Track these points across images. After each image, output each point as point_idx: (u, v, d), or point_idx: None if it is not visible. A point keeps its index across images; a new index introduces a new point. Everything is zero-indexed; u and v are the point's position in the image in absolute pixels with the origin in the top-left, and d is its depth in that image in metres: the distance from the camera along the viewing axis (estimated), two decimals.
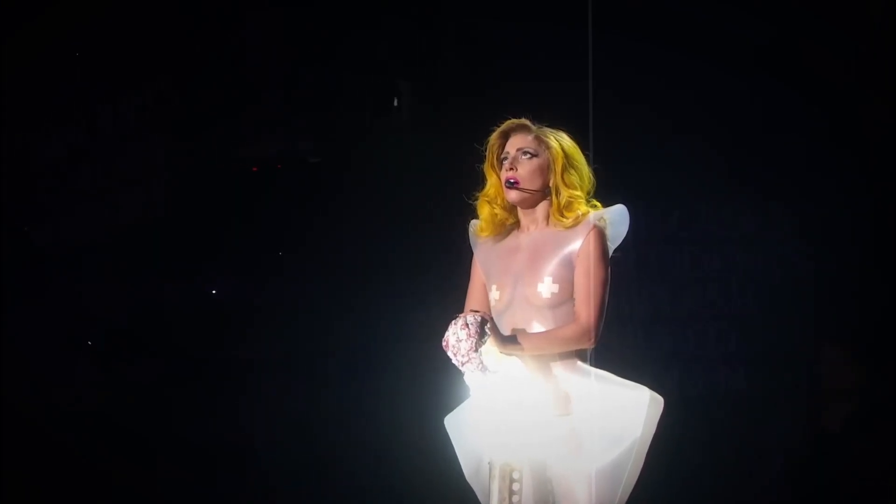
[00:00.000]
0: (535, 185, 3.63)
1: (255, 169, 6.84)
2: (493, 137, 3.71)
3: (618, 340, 5.45)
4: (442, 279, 4.14)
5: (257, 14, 6.56)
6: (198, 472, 6.25)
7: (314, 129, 6.67)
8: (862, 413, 5.69)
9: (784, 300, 6.26)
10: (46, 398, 6.48)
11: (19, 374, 6.45)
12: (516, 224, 3.73)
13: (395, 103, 6.48)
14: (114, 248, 6.72)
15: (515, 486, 3.54)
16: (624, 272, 6.18)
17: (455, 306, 3.69)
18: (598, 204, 3.67)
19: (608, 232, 3.62)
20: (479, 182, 3.74)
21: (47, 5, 6.28)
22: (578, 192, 3.65)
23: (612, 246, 3.64)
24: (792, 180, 6.18)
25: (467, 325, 3.37)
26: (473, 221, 3.79)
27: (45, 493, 6.09)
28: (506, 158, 3.66)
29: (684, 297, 6.43)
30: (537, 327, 3.57)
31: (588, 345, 3.58)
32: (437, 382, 3.76)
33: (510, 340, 3.50)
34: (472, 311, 3.47)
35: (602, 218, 3.62)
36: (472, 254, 3.78)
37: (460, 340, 3.36)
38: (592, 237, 3.58)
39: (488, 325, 3.40)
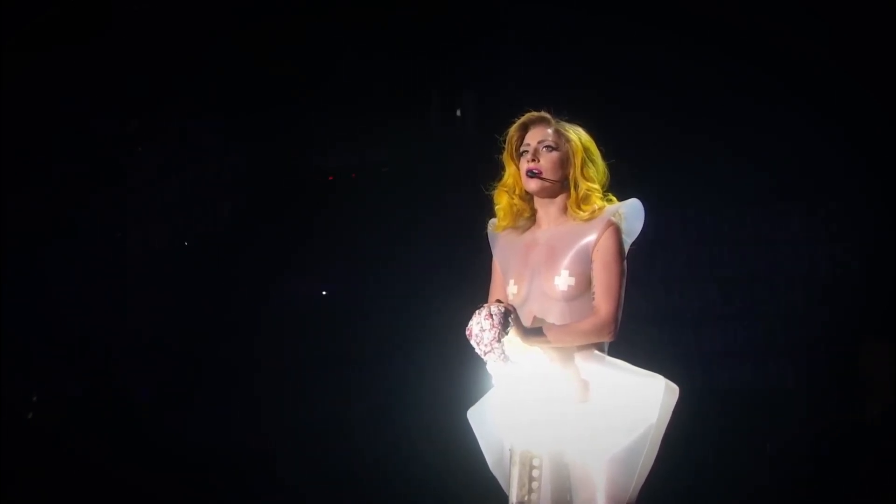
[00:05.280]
0: (555, 176, 3.64)
1: (331, 178, 7.02)
2: (513, 129, 3.74)
3: (669, 337, 5.55)
4: (469, 277, 4.19)
5: (329, 31, 6.69)
6: (220, 474, 6.38)
7: (385, 140, 6.81)
8: None
9: (830, 298, 6.23)
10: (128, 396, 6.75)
11: (96, 374, 6.71)
12: (533, 219, 3.75)
13: (459, 113, 6.59)
14: (191, 254, 6.95)
15: (535, 473, 3.56)
16: (677, 271, 6.31)
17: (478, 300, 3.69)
18: (614, 198, 3.68)
19: (623, 227, 3.62)
20: (498, 173, 3.77)
21: (129, 19, 6.41)
22: (596, 186, 3.66)
23: (629, 240, 3.64)
24: (833, 182, 6.16)
25: (491, 315, 3.39)
26: (491, 221, 3.81)
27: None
28: (526, 150, 3.68)
29: (734, 294, 6.40)
30: (554, 319, 3.58)
31: (608, 338, 3.59)
32: (461, 377, 3.81)
33: (532, 332, 3.52)
34: (496, 301, 3.49)
35: (618, 213, 3.63)
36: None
37: (484, 330, 3.39)
38: (609, 233, 3.59)
39: (511, 317, 3.42)
